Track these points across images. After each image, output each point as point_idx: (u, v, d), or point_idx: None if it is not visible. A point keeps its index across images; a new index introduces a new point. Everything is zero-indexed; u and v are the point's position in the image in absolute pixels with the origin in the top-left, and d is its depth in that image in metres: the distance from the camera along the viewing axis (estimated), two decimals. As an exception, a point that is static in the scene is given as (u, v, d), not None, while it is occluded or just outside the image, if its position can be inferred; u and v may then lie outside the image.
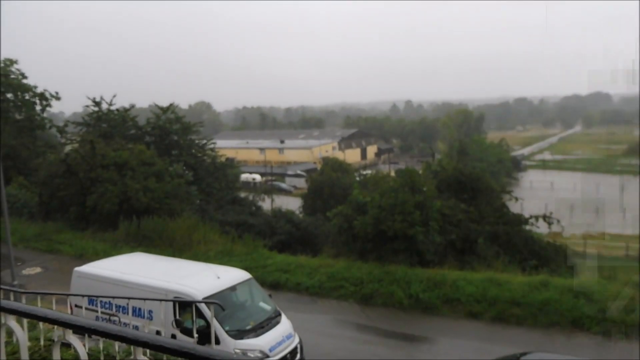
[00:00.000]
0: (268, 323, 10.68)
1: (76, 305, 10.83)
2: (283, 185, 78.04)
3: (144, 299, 9.48)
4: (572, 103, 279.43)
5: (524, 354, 9.93)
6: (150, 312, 9.96)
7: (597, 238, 48.67)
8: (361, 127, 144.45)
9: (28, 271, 18.94)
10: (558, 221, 21.99)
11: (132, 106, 36.51)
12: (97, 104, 32.06)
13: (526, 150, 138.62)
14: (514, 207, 26.23)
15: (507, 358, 9.08)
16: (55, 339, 6.04)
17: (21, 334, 2.09)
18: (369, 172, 60.29)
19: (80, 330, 1.60)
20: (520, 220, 21.44)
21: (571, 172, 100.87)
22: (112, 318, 9.81)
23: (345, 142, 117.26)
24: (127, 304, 10.16)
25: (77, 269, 11.92)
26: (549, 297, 13.84)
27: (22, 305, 1.80)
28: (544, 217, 21.55)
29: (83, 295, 9.55)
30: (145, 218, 21.42)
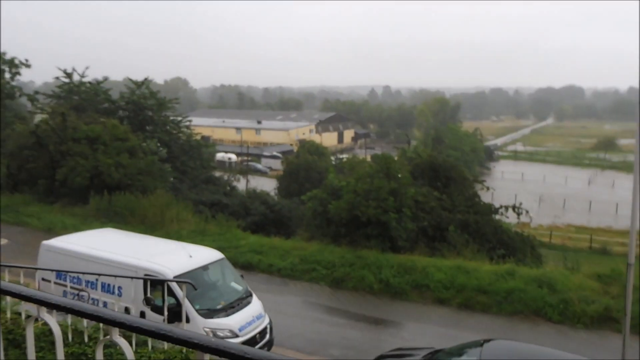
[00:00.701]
0: (239, 303, 10.72)
1: (43, 279, 10.67)
2: (259, 166, 77.73)
3: (115, 276, 9.40)
4: (546, 95, 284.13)
5: (487, 340, 10.21)
6: (120, 288, 9.89)
7: (563, 230, 50.04)
8: (339, 110, 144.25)
9: (-6, 243, 18.53)
10: (527, 212, 22.46)
11: (106, 79, 35.64)
12: (69, 75, 31.21)
13: (499, 141, 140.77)
14: (485, 197, 26.75)
15: (471, 344, 9.32)
16: (24, 316, 5.95)
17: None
18: (345, 156, 60.51)
19: (57, 308, 1.60)
20: (490, 209, 21.85)
21: (541, 164, 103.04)
22: (82, 293, 9.71)
23: (323, 126, 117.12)
24: (97, 280, 10.06)
25: (45, 242, 11.72)
26: (514, 286, 14.20)
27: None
28: (514, 208, 21.99)
29: (52, 270, 9.42)
30: (117, 194, 21.12)
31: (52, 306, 1.57)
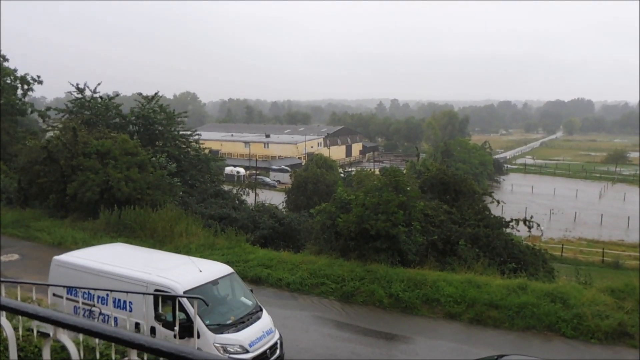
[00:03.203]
0: (249, 318, 10.67)
1: (54, 295, 10.69)
2: (267, 179, 77.89)
3: (126, 292, 9.39)
4: (555, 109, 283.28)
5: (501, 356, 10.09)
6: (130, 304, 9.88)
7: (574, 243, 49.50)
8: (347, 124, 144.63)
9: (5, 258, 18.62)
10: (538, 225, 22.26)
11: (117, 94, 36.10)
12: (81, 90, 31.60)
13: (508, 154, 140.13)
14: (495, 210, 26.57)
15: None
16: (36, 333, 5.89)
17: (11, 331, 2.04)
18: (353, 169, 60.51)
19: (73, 329, 1.59)
20: (500, 223, 21.66)
21: (551, 177, 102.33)
22: (93, 309, 9.71)
23: (331, 139, 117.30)
24: (108, 295, 10.06)
25: (56, 257, 11.77)
26: (526, 301, 14.02)
27: (13, 301, 1.77)
28: (524, 221, 21.78)
29: (64, 287, 9.44)
30: (127, 208, 21.20)
31: (68, 327, 1.55)
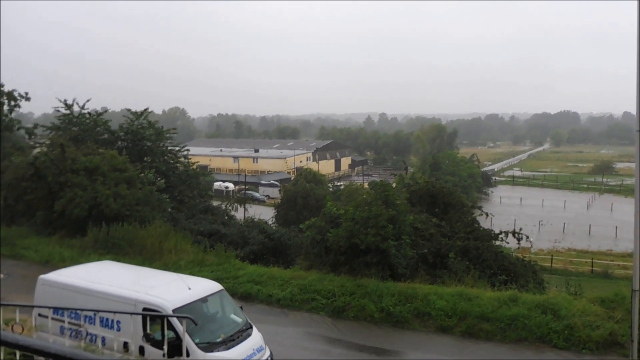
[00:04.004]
0: (239, 335, 10.55)
1: (40, 315, 10.52)
2: (256, 194, 77.66)
3: (114, 312, 9.26)
4: (542, 121, 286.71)
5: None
6: (118, 323, 9.73)
7: (563, 254, 49.75)
8: (336, 138, 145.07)
9: (-10, 277, 18.29)
10: (527, 237, 22.36)
11: (105, 110, 35.90)
12: (69, 106, 31.41)
13: (497, 166, 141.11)
14: (485, 222, 26.65)
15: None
16: (18, 356, 5.79)
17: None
18: (342, 183, 60.57)
19: (55, 358, 1.54)
20: (490, 235, 21.74)
21: (540, 188, 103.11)
22: (79, 329, 9.55)
23: (320, 153, 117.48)
24: (95, 315, 9.91)
25: (42, 276, 11.58)
26: (517, 313, 14.02)
27: (6, 333, 1.71)
28: (514, 233, 21.88)
29: (49, 307, 9.28)
30: (115, 225, 20.99)
31: (51, 356, 1.50)
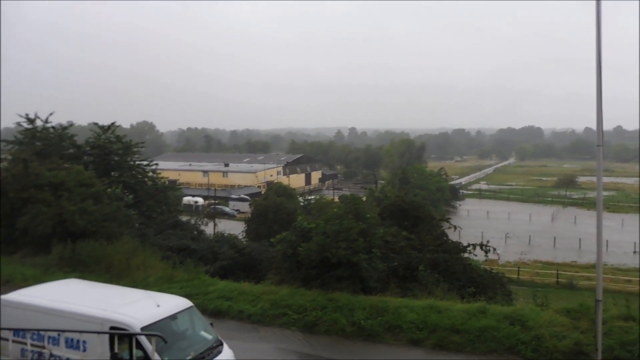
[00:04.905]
0: (209, 353, 10.39)
1: (0, 338, 10.13)
2: (226, 209, 77.03)
3: (79, 331, 9.00)
4: (507, 136, 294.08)
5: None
6: (84, 343, 9.46)
7: (530, 266, 50.79)
8: (306, 152, 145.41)
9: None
10: (494, 249, 22.77)
11: (71, 124, 35.19)
12: (31, 120, 30.65)
13: (464, 180, 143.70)
14: (453, 235, 27.03)
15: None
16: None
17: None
18: (313, 197, 60.59)
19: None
20: (458, 248, 22.04)
21: (506, 201, 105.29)
22: (42, 351, 9.23)
23: (290, 167, 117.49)
24: (59, 335, 9.61)
25: (3, 297, 11.17)
26: (486, 325, 14.20)
27: None
28: (481, 246, 22.22)
29: (10, 329, 8.95)
30: (81, 242, 20.48)
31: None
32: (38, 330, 9.61)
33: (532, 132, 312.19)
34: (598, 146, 10.88)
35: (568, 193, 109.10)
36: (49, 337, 9.76)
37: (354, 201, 19.40)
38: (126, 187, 29.33)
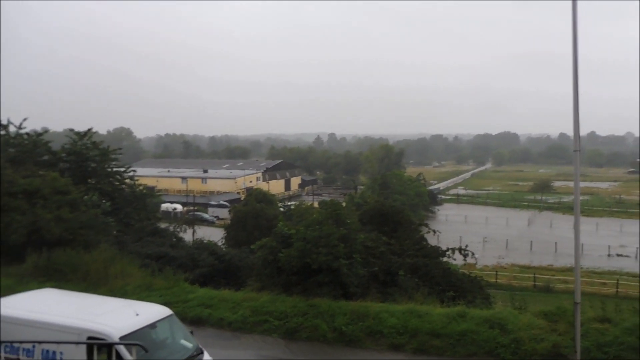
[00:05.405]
0: (190, 362, 10.27)
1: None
2: (205, 215, 76.41)
3: (56, 342, 8.81)
4: (484, 141, 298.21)
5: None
6: (61, 354, 9.26)
7: (508, 269, 51.43)
8: (286, 158, 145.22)
9: None
10: (472, 253, 23.01)
11: (46, 130, 34.65)
12: (4, 127, 29.99)
13: (442, 185, 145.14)
14: (432, 240, 27.25)
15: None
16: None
17: None
18: (293, 203, 60.50)
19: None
20: (438, 252, 22.23)
21: (483, 206, 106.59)
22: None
23: (270, 173, 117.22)
24: (34, 347, 9.39)
25: (-24, 308, 10.88)
26: (466, 328, 14.32)
27: None
28: (460, 250, 22.46)
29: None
30: (57, 250, 20.07)
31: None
32: (11, 342, 9.38)
33: (509, 138, 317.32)
34: (575, 151, 11.05)
35: (544, 197, 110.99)
36: (23, 349, 9.54)
37: (334, 207, 19.44)
38: (103, 194, 28.88)
